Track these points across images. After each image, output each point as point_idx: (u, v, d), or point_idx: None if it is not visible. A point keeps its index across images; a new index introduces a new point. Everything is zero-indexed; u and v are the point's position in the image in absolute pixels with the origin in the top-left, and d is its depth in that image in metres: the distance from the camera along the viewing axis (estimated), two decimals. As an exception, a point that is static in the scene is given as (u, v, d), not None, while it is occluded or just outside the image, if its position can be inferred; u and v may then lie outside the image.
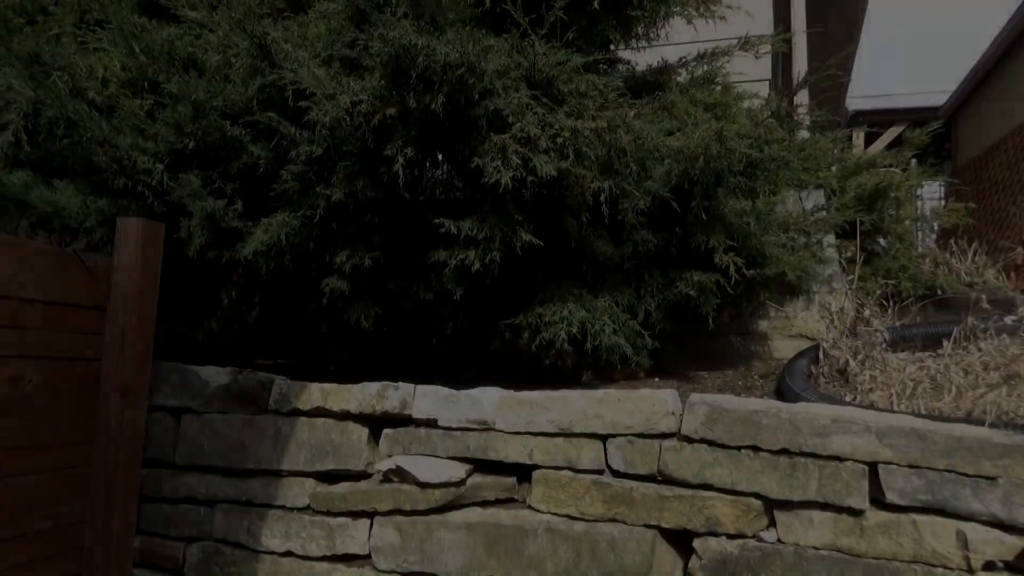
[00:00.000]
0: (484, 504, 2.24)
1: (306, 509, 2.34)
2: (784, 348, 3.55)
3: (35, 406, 2.04)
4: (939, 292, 4.07)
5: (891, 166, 4.65)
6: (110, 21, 2.84)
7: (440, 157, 2.67)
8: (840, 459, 1.98)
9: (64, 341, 2.13)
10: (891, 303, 3.34)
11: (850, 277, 3.42)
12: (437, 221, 2.40)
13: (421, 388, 2.30)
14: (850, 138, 7.45)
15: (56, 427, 2.11)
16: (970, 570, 1.85)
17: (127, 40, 2.66)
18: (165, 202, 2.56)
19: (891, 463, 1.94)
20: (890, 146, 8.16)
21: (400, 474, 2.23)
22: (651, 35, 3.05)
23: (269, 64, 2.33)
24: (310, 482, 2.35)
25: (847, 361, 2.87)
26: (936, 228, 6.75)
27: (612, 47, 3.13)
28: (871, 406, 2.48)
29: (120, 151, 2.46)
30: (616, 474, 2.16)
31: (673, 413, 2.13)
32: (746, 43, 2.85)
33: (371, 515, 2.29)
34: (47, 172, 2.82)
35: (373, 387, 2.32)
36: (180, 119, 2.46)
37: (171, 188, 2.52)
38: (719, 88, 3.61)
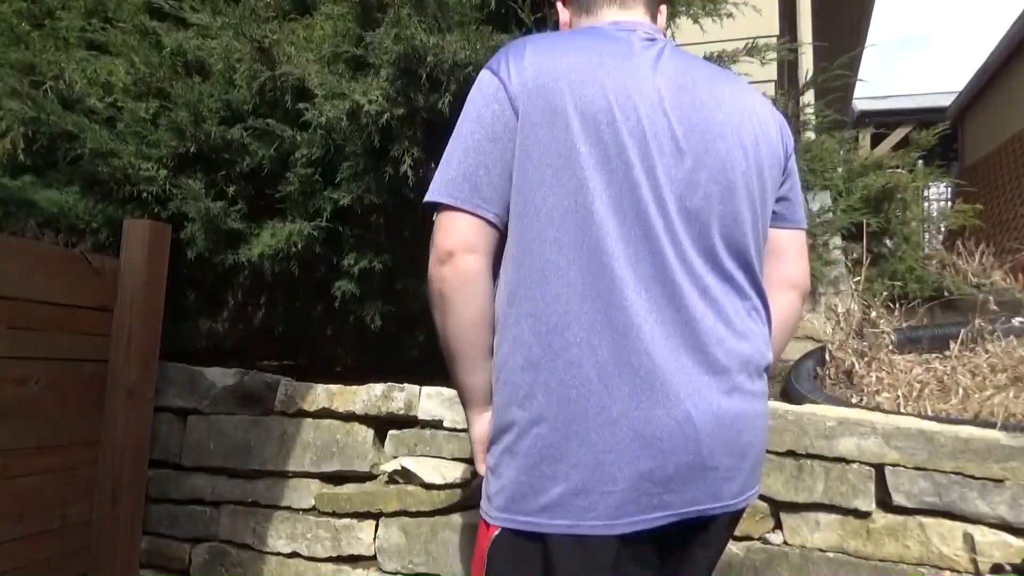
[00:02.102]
0: (489, 506, 2.24)
1: (311, 510, 2.35)
2: (789, 350, 3.53)
3: (42, 407, 2.04)
4: (946, 294, 4.06)
5: (898, 167, 4.64)
6: (119, 21, 2.85)
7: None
8: (846, 461, 1.97)
9: (70, 342, 2.14)
10: (898, 305, 3.33)
11: (856, 279, 3.41)
12: (436, 220, 2.40)
13: (426, 389, 2.31)
14: (857, 139, 7.42)
15: (63, 428, 2.12)
16: (977, 573, 1.84)
17: (133, 43, 2.67)
18: (169, 206, 2.56)
19: (898, 465, 1.94)
20: (897, 147, 8.15)
21: (405, 475, 2.23)
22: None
23: (269, 68, 2.33)
24: (315, 483, 2.36)
25: (853, 363, 2.86)
26: (943, 229, 6.71)
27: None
28: (877, 408, 2.47)
29: (123, 160, 2.47)
30: (621, 476, 2.15)
31: (678, 415, 2.12)
32: (752, 49, 2.83)
33: (376, 516, 2.29)
34: (50, 176, 2.83)
35: (378, 388, 2.33)
36: (181, 124, 2.47)
37: (174, 194, 2.53)
38: (724, 89, 3.58)
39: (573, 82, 1.01)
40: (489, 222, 1.03)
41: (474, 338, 1.07)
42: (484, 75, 1.07)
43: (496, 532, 1.00)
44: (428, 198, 1.05)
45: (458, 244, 1.02)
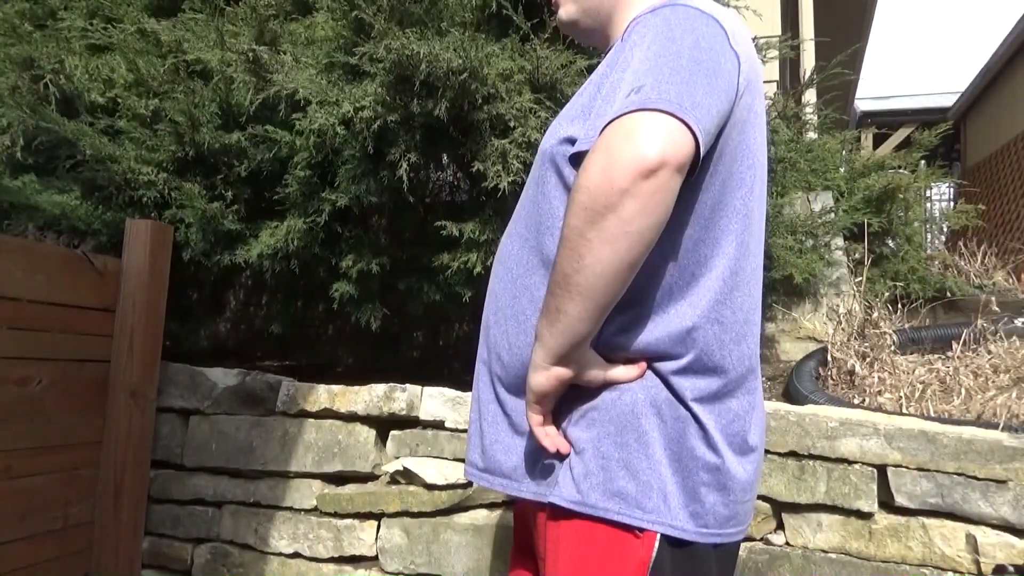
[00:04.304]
0: (491, 506, 2.24)
1: (313, 511, 2.35)
2: (792, 350, 3.53)
3: (44, 407, 2.05)
4: (948, 294, 4.05)
5: (900, 168, 4.62)
6: (121, 20, 2.86)
7: (445, 160, 2.67)
8: (848, 462, 1.97)
9: (73, 342, 2.14)
10: (900, 305, 3.32)
11: (858, 279, 3.40)
12: (439, 223, 2.40)
13: (428, 390, 2.31)
14: (858, 139, 7.40)
15: (65, 428, 2.12)
16: (980, 574, 1.84)
17: (134, 44, 2.68)
18: (166, 213, 2.57)
19: (900, 466, 1.93)
20: (899, 147, 8.13)
21: (407, 476, 2.23)
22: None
23: (261, 80, 2.34)
24: (317, 483, 2.36)
25: (855, 363, 2.86)
26: (945, 230, 6.71)
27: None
28: (880, 408, 2.47)
29: (123, 165, 2.48)
30: (623, 476, 2.15)
31: (680, 415, 2.12)
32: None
33: (378, 517, 2.29)
34: (51, 180, 2.83)
35: (380, 389, 2.33)
36: (181, 129, 2.47)
37: (172, 198, 2.53)
38: (726, 90, 3.58)
39: (761, 86, 0.98)
40: (691, 171, 0.83)
41: (624, 281, 0.83)
42: (712, 23, 0.89)
43: (656, 541, 0.88)
44: (661, 106, 0.79)
45: (674, 156, 0.77)
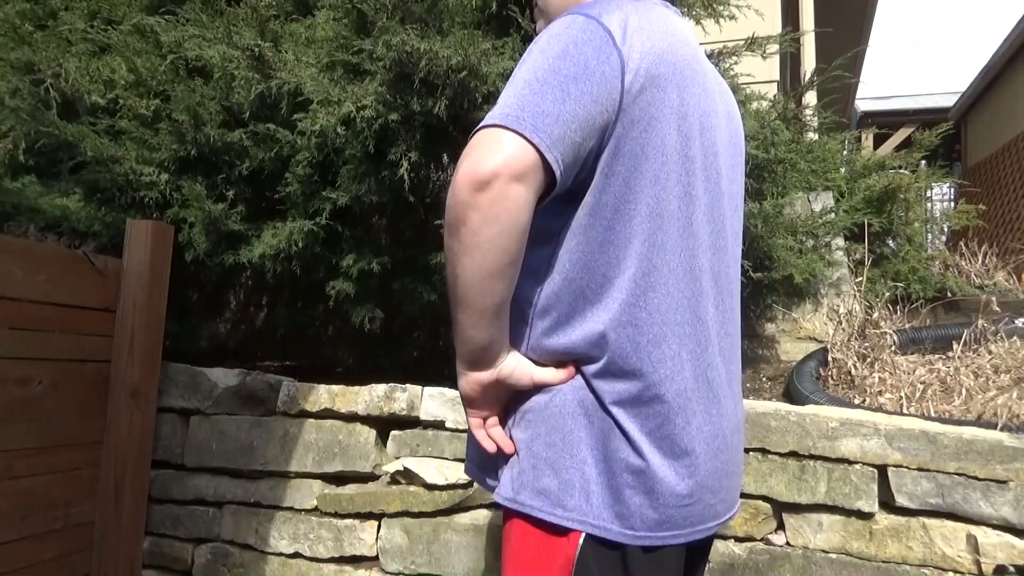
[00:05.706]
0: (492, 506, 2.25)
1: (314, 511, 2.35)
2: (792, 351, 3.53)
3: (45, 408, 2.05)
4: (949, 294, 4.05)
5: (900, 168, 4.63)
6: (120, 21, 2.86)
7: (446, 160, 2.67)
8: (849, 462, 1.97)
9: (73, 343, 2.14)
10: (900, 305, 3.32)
11: (859, 279, 3.40)
12: (440, 222, 2.40)
13: (428, 390, 2.31)
14: (859, 139, 7.41)
15: (65, 428, 2.12)
16: (980, 574, 1.84)
17: (134, 44, 2.68)
18: (168, 213, 2.57)
19: (901, 466, 1.93)
20: (899, 148, 8.13)
21: (407, 476, 2.23)
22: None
23: (264, 77, 2.34)
24: (318, 484, 2.36)
25: (856, 363, 2.86)
26: (946, 230, 6.71)
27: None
28: (880, 408, 2.46)
29: (125, 166, 2.47)
30: (623, 476, 2.15)
31: (680, 415, 2.12)
32: (753, 43, 2.83)
33: (379, 517, 2.29)
34: (53, 183, 2.84)
35: (380, 389, 2.33)
36: (182, 127, 2.47)
37: (174, 198, 2.53)
38: (726, 90, 3.58)
39: (686, 78, 0.94)
40: (553, 178, 0.85)
41: (494, 288, 0.87)
42: (592, 27, 0.89)
43: (580, 539, 0.90)
44: (499, 121, 0.83)
45: (505, 167, 0.81)
